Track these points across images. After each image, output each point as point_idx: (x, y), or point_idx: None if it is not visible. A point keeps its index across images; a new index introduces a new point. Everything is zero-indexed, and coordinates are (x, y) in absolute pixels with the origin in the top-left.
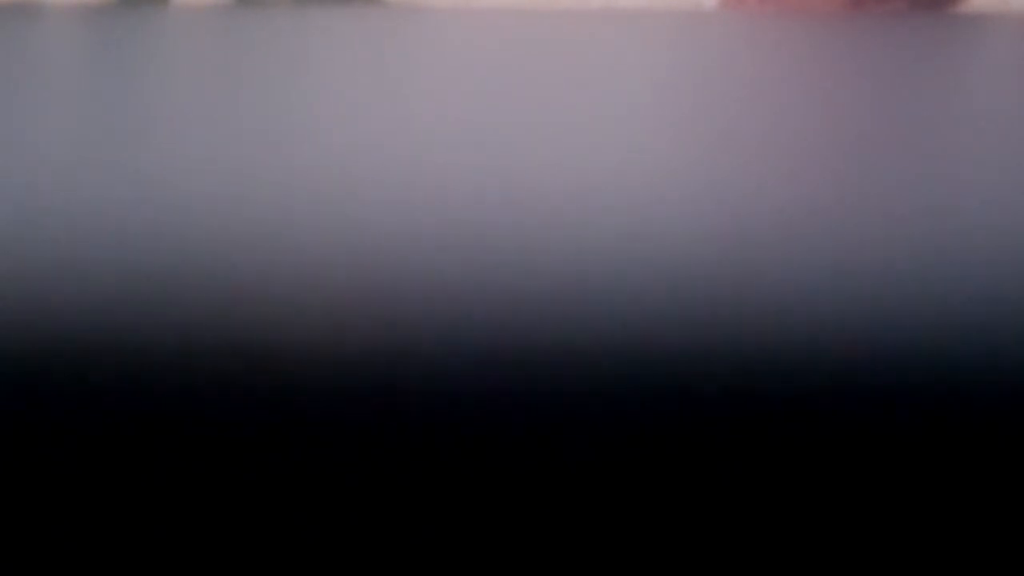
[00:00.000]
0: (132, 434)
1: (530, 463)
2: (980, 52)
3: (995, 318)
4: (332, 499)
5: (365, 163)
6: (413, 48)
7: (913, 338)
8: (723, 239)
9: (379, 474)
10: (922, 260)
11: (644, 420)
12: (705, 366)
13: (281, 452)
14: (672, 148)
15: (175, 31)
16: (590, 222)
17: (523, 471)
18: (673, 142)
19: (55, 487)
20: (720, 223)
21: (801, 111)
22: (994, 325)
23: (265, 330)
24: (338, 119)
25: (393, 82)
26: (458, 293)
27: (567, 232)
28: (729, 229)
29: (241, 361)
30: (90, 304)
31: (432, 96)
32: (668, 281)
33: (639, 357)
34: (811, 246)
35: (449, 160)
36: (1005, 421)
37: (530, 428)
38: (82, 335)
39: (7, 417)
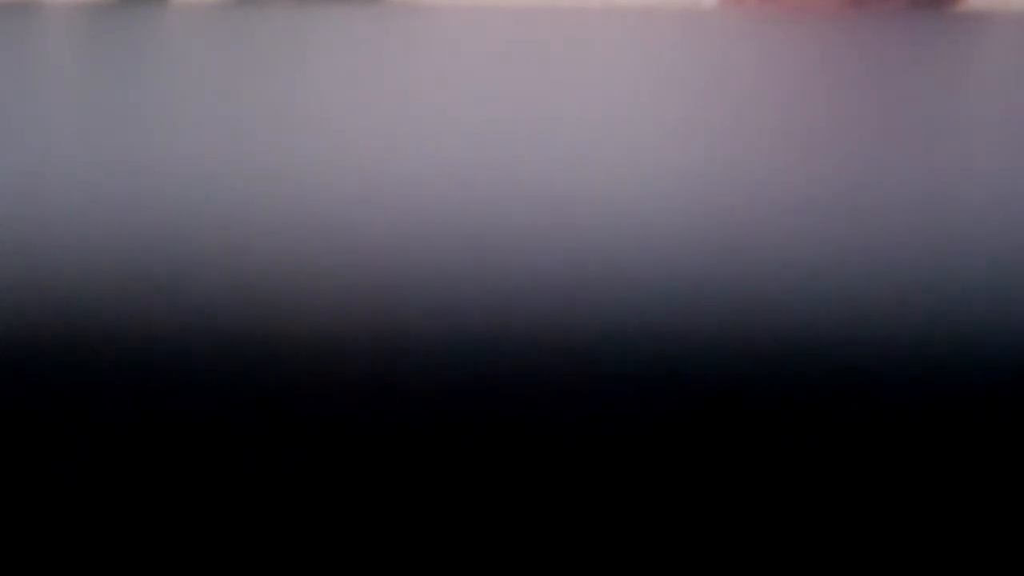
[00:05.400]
0: (132, 430)
1: (536, 458)
2: (980, 50)
3: (994, 314)
4: (331, 493)
5: (366, 160)
6: (414, 46)
7: (913, 334)
8: (722, 234)
9: (379, 470)
10: (921, 256)
11: (645, 415)
12: (706, 360)
13: (283, 446)
14: (672, 145)
15: (175, 30)
16: (590, 217)
17: (526, 466)
18: (673, 139)
19: (55, 483)
20: (719, 219)
21: (801, 109)
22: (993, 321)
23: (264, 326)
24: (339, 117)
25: (394, 80)
26: (460, 289)
27: (568, 227)
28: (728, 225)
29: (240, 356)
30: (90, 300)
31: (433, 93)
32: (668, 276)
33: (639, 353)
34: (811, 242)
35: (450, 156)
36: (1004, 418)
37: (531, 424)
38: (79, 331)
39: (8, 414)
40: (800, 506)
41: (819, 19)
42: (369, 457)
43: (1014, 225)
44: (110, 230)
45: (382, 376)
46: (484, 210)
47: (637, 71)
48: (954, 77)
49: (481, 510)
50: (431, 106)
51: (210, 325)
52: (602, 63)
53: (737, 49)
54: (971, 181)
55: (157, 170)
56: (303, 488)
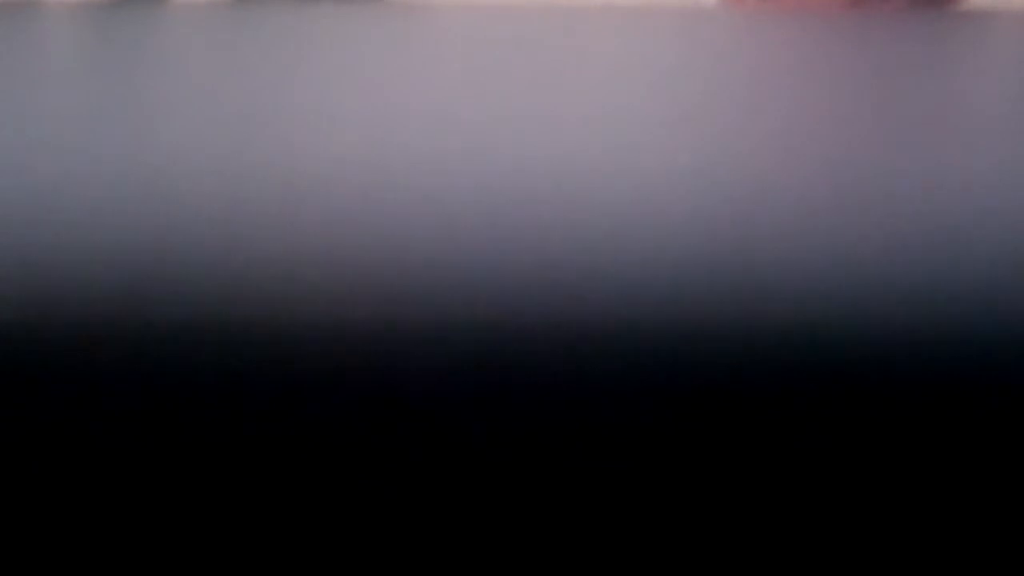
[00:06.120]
0: (131, 427)
1: (536, 454)
2: (980, 50)
3: (993, 312)
4: (331, 489)
5: (366, 159)
6: (414, 46)
7: (912, 332)
8: (722, 233)
9: (379, 465)
10: (921, 255)
11: (643, 410)
12: (704, 357)
13: (285, 443)
14: (673, 143)
15: (175, 30)
16: (591, 215)
17: (525, 463)
18: (673, 138)
19: (55, 481)
20: (719, 217)
21: (801, 108)
22: (992, 319)
23: (265, 323)
24: (339, 116)
25: (394, 79)
26: (461, 286)
27: (568, 225)
28: (728, 223)
29: (241, 353)
30: (89, 298)
31: (433, 93)
32: (668, 274)
33: (635, 349)
34: (811, 241)
35: (450, 155)
36: (1003, 415)
37: (531, 420)
38: (79, 329)
39: (8, 412)
40: (800, 504)
41: (819, 18)
42: (369, 452)
43: (1014, 223)
44: (111, 229)
45: (382, 371)
46: (484, 208)
47: (638, 69)
48: (954, 76)
49: (481, 507)
50: (431, 105)
51: (209, 322)
52: (602, 62)
53: (737, 48)
54: (971, 180)
55: (157, 169)
56: (303, 484)
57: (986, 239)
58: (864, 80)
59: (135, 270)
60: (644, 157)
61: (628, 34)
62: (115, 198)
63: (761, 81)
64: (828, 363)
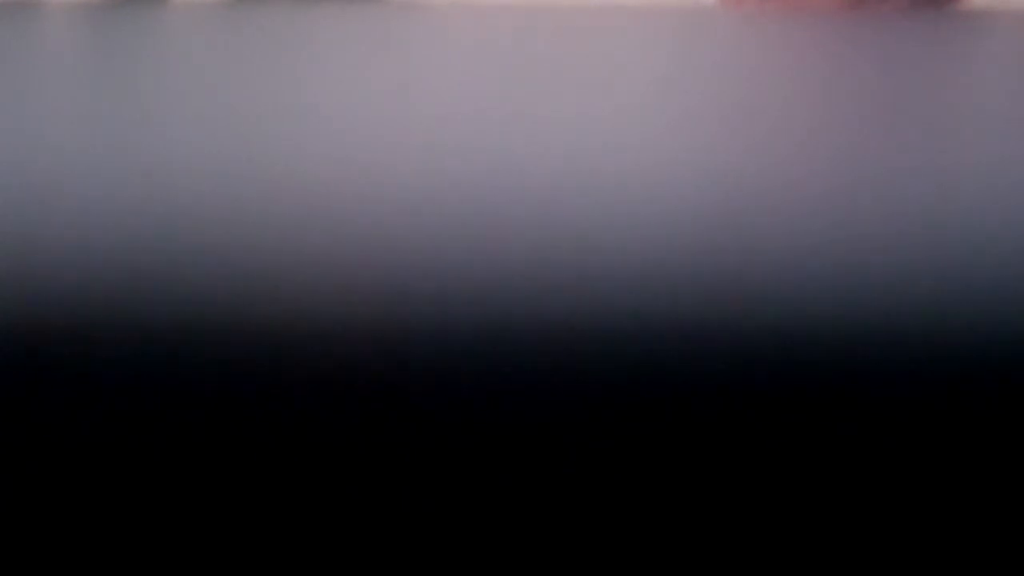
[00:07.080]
0: (132, 429)
1: (537, 455)
2: (980, 50)
3: (993, 311)
4: (331, 491)
5: (366, 159)
6: (414, 45)
7: (912, 331)
8: (721, 233)
9: (380, 466)
10: (921, 255)
11: (643, 411)
12: (704, 357)
13: (285, 444)
14: (671, 143)
15: (175, 30)
16: (590, 213)
17: (526, 463)
18: (671, 137)
19: (55, 482)
20: (718, 218)
21: (801, 108)
22: (992, 318)
23: (264, 323)
24: (339, 116)
25: (394, 79)
26: (461, 286)
27: (567, 224)
28: (727, 223)
29: (241, 354)
30: (88, 298)
31: (433, 92)
32: (667, 274)
33: (634, 350)
34: (810, 241)
35: (450, 155)
36: (1001, 413)
37: (531, 421)
38: (79, 330)
39: (8, 413)
40: (803, 505)
41: (819, 18)
42: (369, 453)
43: (1014, 223)
44: (111, 229)
45: (383, 372)
46: (484, 207)
47: (637, 70)
48: (954, 77)
49: (481, 507)
50: (431, 105)
51: (208, 323)
52: (602, 62)
53: (737, 48)
54: (971, 180)
55: (157, 169)
56: (304, 486)
57: (986, 239)
58: (864, 80)
59: (134, 270)
60: (643, 157)
61: (628, 34)
62: (115, 198)
63: (761, 81)
64: (829, 364)
